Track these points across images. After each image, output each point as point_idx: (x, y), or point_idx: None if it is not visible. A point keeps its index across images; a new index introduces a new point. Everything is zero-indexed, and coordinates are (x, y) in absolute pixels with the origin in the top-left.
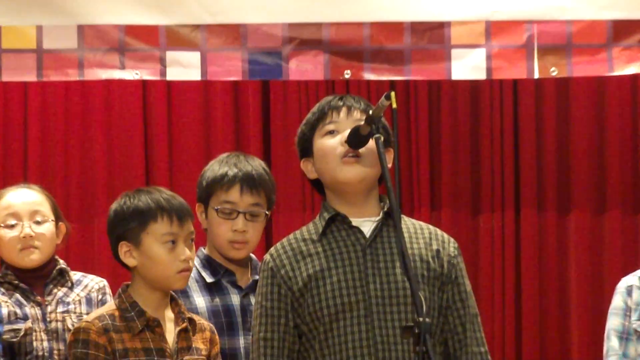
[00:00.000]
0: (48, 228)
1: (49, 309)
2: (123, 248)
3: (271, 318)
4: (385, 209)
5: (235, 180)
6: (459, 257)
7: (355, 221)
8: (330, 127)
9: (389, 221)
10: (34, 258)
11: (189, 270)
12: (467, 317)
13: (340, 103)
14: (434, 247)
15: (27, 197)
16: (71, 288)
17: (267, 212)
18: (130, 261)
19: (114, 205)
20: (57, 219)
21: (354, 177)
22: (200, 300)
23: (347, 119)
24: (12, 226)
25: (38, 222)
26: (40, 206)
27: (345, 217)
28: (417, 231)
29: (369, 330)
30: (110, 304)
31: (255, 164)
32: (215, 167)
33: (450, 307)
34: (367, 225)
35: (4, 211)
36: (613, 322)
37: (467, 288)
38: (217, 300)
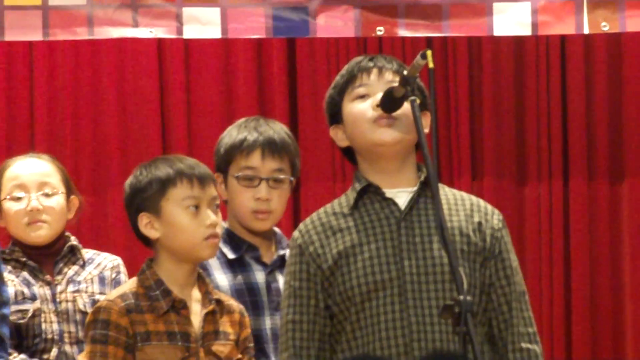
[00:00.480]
0: (58, 201)
1: (59, 288)
2: (143, 220)
3: (300, 299)
4: (422, 179)
5: (256, 144)
6: (504, 230)
7: (389, 192)
8: (361, 90)
9: (427, 192)
10: (42, 234)
11: (216, 236)
12: (513, 295)
13: (371, 64)
14: (476, 219)
15: (35, 168)
16: (83, 266)
17: (291, 179)
18: (152, 233)
19: (129, 180)
20: (69, 192)
21: (389, 139)
22: (222, 278)
23: (378, 81)
24: (18, 199)
25: (47, 195)
26: (50, 177)
27: (378, 188)
28: (458, 202)
29: (403, 310)
30: (133, 281)
31: (277, 128)
32: (234, 133)
33: (494, 284)
34: (402, 197)
35: (10, 182)
36: None
37: (513, 264)
38: (240, 278)
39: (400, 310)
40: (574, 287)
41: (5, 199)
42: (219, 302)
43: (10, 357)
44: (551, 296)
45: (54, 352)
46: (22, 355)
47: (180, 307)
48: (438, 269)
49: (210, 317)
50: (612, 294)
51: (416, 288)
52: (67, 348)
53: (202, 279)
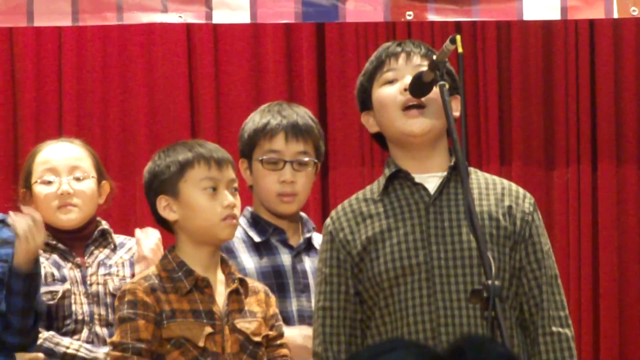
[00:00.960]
0: (88, 185)
1: (90, 271)
2: (162, 203)
3: (330, 286)
4: (452, 163)
5: (279, 128)
6: (535, 213)
7: (419, 177)
8: (389, 75)
9: (457, 176)
10: (72, 217)
11: (234, 217)
12: (544, 278)
13: (399, 49)
14: (506, 203)
15: (67, 152)
16: (114, 250)
17: (316, 161)
18: (171, 215)
19: (148, 165)
20: (100, 177)
21: (418, 130)
22: (248, 261)
23: (406, 66)
24: (49, 182)
25: (78, 179)
26: (81, 162)
27: (407, 174)
28: (489, 186)
29: (431, 295)
30: (156, 266)
31: (300, 112)
32: (257, 118)
33: (524, 268)
34: (432, 182)
35: (42, 166)
36: None
37: (544, 247)
38: (266, 260)
39: (428, 295)
40: (602, 271)
41: (35, 182)
42: (242, 281)
43: (40, 355)
44: (579, 279)
45: (85, 333)
46: (51, 332)
47: (203, 286)
48: (466, 253)
49: (234, 296)
50: None
51: (444, 273)
52: (98, 329)
53: (224, 261)
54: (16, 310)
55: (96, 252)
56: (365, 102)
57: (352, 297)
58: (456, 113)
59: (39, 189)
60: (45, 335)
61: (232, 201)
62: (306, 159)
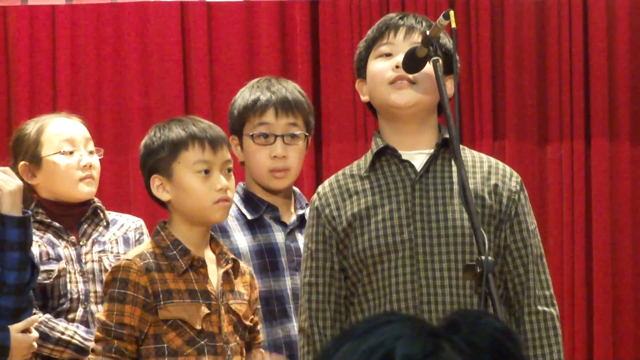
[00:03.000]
0: (98, 160)
1: (84, 249)
2: (155, 182)
3: (316, 262)
4: (439, 141)
5: (269, 103)
6: (522, 192)
7: (406, 154)
8: (385, 49)
9: (445, 153)
10: (93, 190)
11: (227, 200)
12: (530, 257)
13: (401, 22)
14: (492, 181)
15: (79, 126)
16: (107, 227)
17: (306, 134)
18: (163, 195)
19: (144, 140)
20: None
21: (404, 102)
22: (241, 240)
23: (404, 42)
24: (70, 153)
25: (91, 152)
26: (89, 136)
27: (394, 150)
28: (476, 164)
29: (414, 272)
30: (148, 242)
31: (289, 87)
32: (246, 94)
33: (509, 246)
34: (419, 159)
35: (58, 137)
36: None
37: (530, 226)
38: (259, 238)
39: (411, 273)
40: (595, 246)
41: (54, 153)
42: (235, 262)
43: (35, 316)
44: (572, 257)
45: (80, 311)
46: (47, 315)
47: (199, 266)
48: (450, 231)
49: (226, 277)
50: (634, 255)
51: (427, 250)
52: (93, 307)
53: (214, 240)
54: (12, 265)
55: (89, 230)
56: (361, 70)
57: (337, 273)
58: (450, 92)
59: (58, 159)
60: (40, 319)
61: (225, 184)
62: (297, 132)
